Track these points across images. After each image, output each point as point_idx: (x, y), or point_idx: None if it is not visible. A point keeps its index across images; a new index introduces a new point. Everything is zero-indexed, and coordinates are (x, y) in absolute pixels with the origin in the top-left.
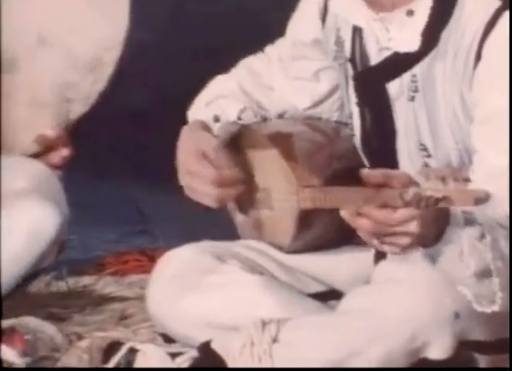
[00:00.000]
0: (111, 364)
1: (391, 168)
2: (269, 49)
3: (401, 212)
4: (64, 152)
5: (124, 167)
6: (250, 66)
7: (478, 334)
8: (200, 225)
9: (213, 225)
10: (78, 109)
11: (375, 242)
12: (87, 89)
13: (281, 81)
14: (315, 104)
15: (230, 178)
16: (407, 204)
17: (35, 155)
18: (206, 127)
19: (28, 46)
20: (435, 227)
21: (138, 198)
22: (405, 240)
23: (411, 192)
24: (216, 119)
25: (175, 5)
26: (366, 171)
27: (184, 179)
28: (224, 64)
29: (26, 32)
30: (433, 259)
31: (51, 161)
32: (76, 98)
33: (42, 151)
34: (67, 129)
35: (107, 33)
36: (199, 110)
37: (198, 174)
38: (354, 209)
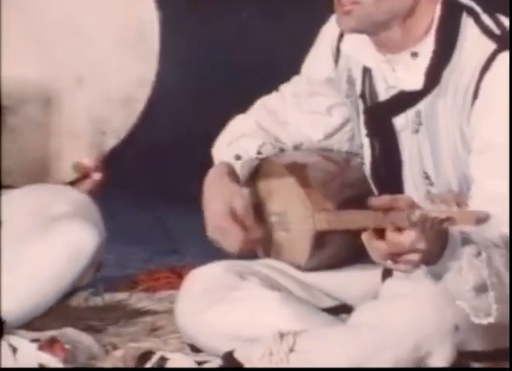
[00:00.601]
0: None
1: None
2: (284, 87)
3: (410, 233)
4: (98, 178)
5: (155, 193)
6: (266, 104)
7: (476, 344)
8: None
9: None
10: (111, 141)
11: (389, 262)
12: (119, 123)
13: (297, 115)
14: (328, 136)
15: (254, 239)
16: (413, 224)
17: (73, 182)
18: (231, 171)
19: (67, 85)
20: (437, 245)
21: (167, 221)
22: (415, 257)
23: (417, 213)
24: (238, 157)
25: (201, 49)
26: (373, 199)
27: (212, 232)
28: (243, 103)
29: (66, 72)
30: (435, 275)
31: (86, 187)
32: (109, 131)
33: (79, 177)
34: (102, 158)
35: (138, 73)
36: (222, 149)
37: (226, 231)
38: (372, 233)
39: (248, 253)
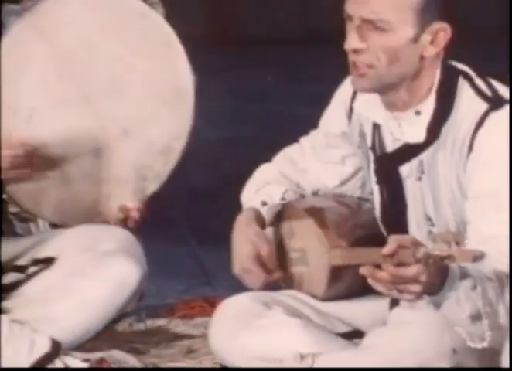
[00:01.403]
0: None
1: (403, 234)
2: (304, 140)
3: (413, 269)
4: (139, 218)
5: (190, 232)
6: (288, 154)
7: (472, 364)
8: None
9: None
10: (152, 185)
11: (393, 292)
12: (159, 169)
13: (315, 165)
14: (342, 184)
15: (274, 281)
16: (418, 261)
17: (119, 221)
18: (257, 217)
19: (114, 136)
20: (438, 279)
21: (201, 257)
22: (416, 288)
23: (421, 251)
24: (264, 203)
25: (232, 107)
26: (384, 249)
27: (238, 271)
28: (270, 152)
29: (113, 125)
30: (436, 304)
31: (130, 225)
32: (150, 177)
33: (124, 217)
34: (144, 201)
35: (175, 127)
36: (250, 195)
37: (250, 272)
38: (372, 267)
39: (269, 288)
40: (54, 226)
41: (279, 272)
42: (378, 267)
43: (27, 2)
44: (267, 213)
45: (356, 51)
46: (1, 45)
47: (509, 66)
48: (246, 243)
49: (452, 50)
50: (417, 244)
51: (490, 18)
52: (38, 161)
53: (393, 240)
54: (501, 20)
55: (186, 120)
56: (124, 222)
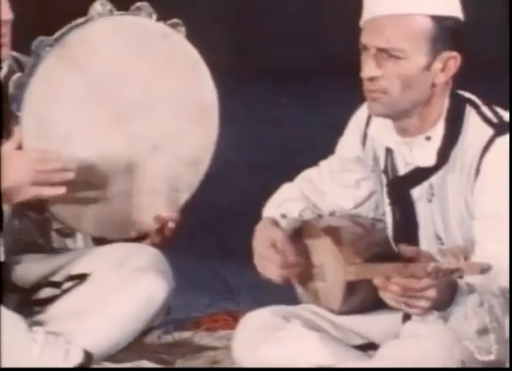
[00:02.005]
0: None
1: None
2: (322, 164)
3: (424, 281)
4: (173, 227)
5: (214, 250)
6: (308, 176)
7: None
8: (272, 293)
9: (281, 293)
10: (184, 195)
11: (402, 306)
12: (189, 180)
13: (331, 188)
14: (357, 206)
15: (291, 263)
16: (428, 275)
17: (155, 231)
18: (275, 223)
19: (146, 151)
20: (447, 294)
21: (225, 273)
22: (425, 303)
23: (432, 265)
24: (283, 216)
25: (251, 128)
26: (403, 247)
27: (257, 261)
28: (290, 175)
29: (144, 142)
30: (445, 319)
31: (165, 234)
32: (182, 187)
33: (159, 227)
34: (177, 211)
35: (202, 138)
36: (271, 209)
37: (268, 258)
38: (384, 279)
39: (288, 283)
40: (96, 240)
41: (296, 257)
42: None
43: (59, 34)
44: (285, 225)
45: (371, 79)
46: (36, 74)
47: (509, 92)
48: (262, 237)
49: (461, 80)
50: (428, 259)
51: (491, 49)
52: (77, 179)
53: (413, 249)
54: (501, 52)
55: (211, 133)
56: (159, 232)
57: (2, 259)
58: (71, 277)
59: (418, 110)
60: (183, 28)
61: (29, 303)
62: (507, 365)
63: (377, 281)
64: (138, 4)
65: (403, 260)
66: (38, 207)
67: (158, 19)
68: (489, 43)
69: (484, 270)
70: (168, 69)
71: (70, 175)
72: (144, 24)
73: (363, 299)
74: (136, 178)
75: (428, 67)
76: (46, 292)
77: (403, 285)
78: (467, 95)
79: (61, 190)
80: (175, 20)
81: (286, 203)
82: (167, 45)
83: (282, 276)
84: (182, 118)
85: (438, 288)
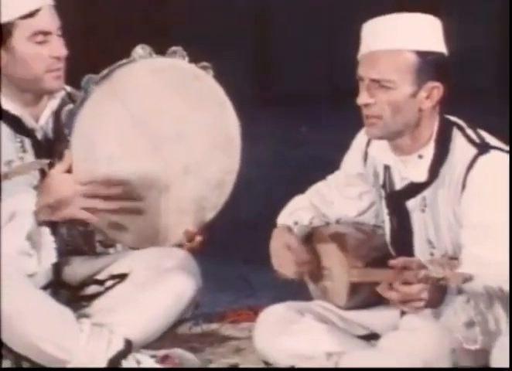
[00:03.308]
0: None
1: (409, 257)
2: (330, 177)
3: (417, 287)
4: (200, 240)
5: (238, 254)
6: (318, 189)
7: (467, 362)
8: (288, 291)
9: (295, 291)
10: (210, 214)
11: (401, 305)
12: (215, 200)
13: (338, 199)
14: (360, 215)
15: (303, 261)
16: (419, 281)
17: (184, 244)
18: (289, 230)
19: (177, 173)
20: (437, 295)
21: (247, 273)
22: (420, 304)
23: (422, 273)
24: (295, 223)
25: (270, 149)
26: (391, 261)
27: (275, 260)
28: (303, 188)
29: (176, 165)
30: (437, 315)
31: (193, 246)
32: (208, 207)
33: (188, 240)
34: (203, 227)
35: (227, 164)
36: (284, 217)
37: (284, 257)
38: (386, 286)
39: (300, 278)
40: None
41: (307, 255)
42: (390, 285)
43: (105, 72)
44: (297, 231)
45: (366, 105)
46: (85, 105)
47: (509, 121)
48: (279, 241)
49: (451, 108)
50: (420, 267)
51: (490, 81)
52: (118, 197)
53: (401, 259)
54: (501, 83)
55: (235, 160)
56: (188, 246)
57: (55, 260)
58: (113, 276)
59: (410, 132)
60: (211, 71)
61: (77, 298)
62: (491, 354)
63: (379, 289)
64: (174, 48)
65: (398, 267)
66: (83, 221)
67: (190, 61)
68: (488, 75)
69: (466, 279)
70: (199, 104)
71: (114, 206)
72: (179, 65)
73: (365, 297)
74: (169, 198)
75: (414, 95)
76: (91, 289)
77: (400, 290)
78: (454, 119)
79: (95, 219)
80: (205, 63)
81: (298, 212)
82: (198, 85)
83: (296, 272)
84: (210, 147)
85: (429, 291)
